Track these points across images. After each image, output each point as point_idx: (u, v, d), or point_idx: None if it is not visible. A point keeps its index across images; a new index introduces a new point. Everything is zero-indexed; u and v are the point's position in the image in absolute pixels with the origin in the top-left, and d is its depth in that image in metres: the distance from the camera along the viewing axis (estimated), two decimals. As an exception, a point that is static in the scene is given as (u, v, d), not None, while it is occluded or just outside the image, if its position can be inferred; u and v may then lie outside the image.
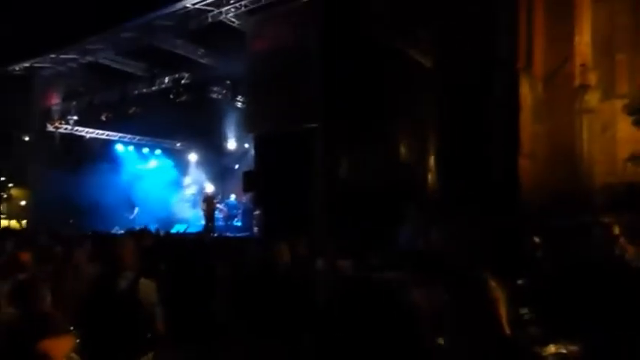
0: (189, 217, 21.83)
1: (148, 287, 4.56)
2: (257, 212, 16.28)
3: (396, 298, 2.17)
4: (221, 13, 15.41)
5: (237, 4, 15.00)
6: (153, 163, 24.66)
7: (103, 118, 20.19)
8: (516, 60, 23.27)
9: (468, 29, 22.45)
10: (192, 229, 18.31)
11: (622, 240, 5.26)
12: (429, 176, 17.40)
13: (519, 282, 6.81)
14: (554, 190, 22.01)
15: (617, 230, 5.10)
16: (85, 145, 22.21)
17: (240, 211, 20.26)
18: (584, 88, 24.32)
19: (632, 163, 24.18)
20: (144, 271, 4.80)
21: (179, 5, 15.29)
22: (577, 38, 24.92)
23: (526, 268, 6.88)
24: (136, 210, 21.98)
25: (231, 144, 22.52)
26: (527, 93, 23.32)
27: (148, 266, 5.29)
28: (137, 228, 14.56)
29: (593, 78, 25.08)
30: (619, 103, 26.04)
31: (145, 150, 24.41)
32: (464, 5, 23.26)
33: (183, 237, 13.93)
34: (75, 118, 20.97)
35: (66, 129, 21.31)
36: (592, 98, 24.54)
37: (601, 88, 25.73)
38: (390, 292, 2.19)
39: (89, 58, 18.79)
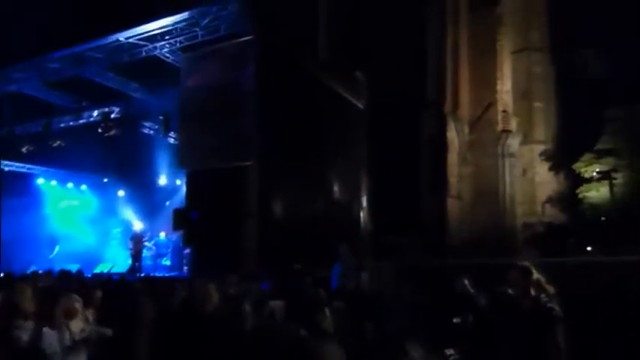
0: (115, 256, 20.91)
1: (51, 338, 4.30)
2: (187, 251, 15.87)
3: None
4: (155, 48, 15.25)
5: (171, 41, 14.91)
6: (77, 199, 23.59)
7: (24, 150, 19.19)
8: (443, 104, 24.48)
9: (400, 73, 23.42)
10: (118, 269, 17.55)
11: (541, 280, 5.48)
12: (362, 215, 17.72)
13: (454, 320, 6.99)
14: (479, 229, 22.92)
15: (534, 273, 5.33)
16: (2, 178, 20.96)
17: (169, 250, 19.61)
18: (506, 133, 25.86)
19: (550, 204, 25.66)
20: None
21: (111, 38, 15.02)
22: (499, 86, 26.62)
23: (459, 308, 7.07)
24: (57, 248, 20.86)
25: (162, 180, 21.95)
26: (453, 136, 24.48)
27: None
28: (57, 268, 13.79)
29: (513, 124, 26.76)
30: (537, 148, 27.81)
31: (70, 185, 23.34)
32: (396, 51, 24.31)
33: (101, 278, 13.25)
34: (-6, 149, 19.83)
35: (-18, 161, 20.08)
36: (513, 143, 26.11)
37: (521, 134, 27.44)
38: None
39: (13, 88, 17.98)
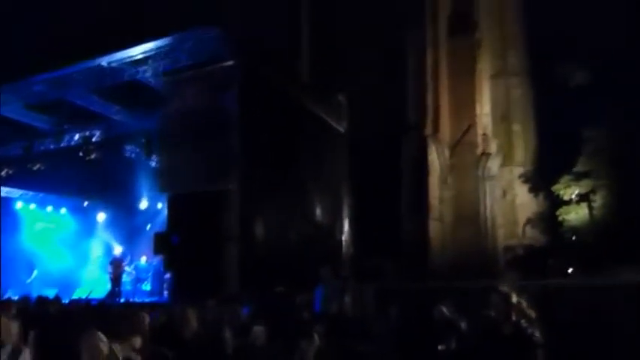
0: (94, 280, 20.58)
1: None
2: (168, 276, 15.71)
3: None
4: (138, 72, 15.29)
5: (154, 65, 14.95)
6: (56, 223, 23.24)
7: (3, 174, 18.93)
8: (424, 127, 24.77)
9: (380, 97, 23.72)
10: (97, 294, 17.27)
11: (522, 305, 5.53)
12: (343, 237, 17.73)
13: (439, 347, 6.99)
14: (461, 251, 23.05)
15: (514, 297, 5.38)
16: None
17: (150, 275, 19.38)
18: (486, 155, 26.20)
19: (530, 226, 25.94)
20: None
21: (94, 63, 15.03)
22: (478, 109, 27.07)
23: (441, 333, 7.09)
24: (35, 273, 20.47)
25: (143, 203, 21.74)
26: (434, 159, 24.73)
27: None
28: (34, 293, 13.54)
29: (493, 146, 27.14)
30: (517, 170, 28.18)
31: (49, 208, 23.01)
32: (376, 74, 24.65)
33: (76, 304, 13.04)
34: (-29, 172, 19.52)
35: (-41, 184, 19.74)
36: (493, 165, 26.44)
37: (501, 156, 27.81)
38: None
39: (-8, 111, 17.81)
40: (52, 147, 18.34)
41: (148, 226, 20.93)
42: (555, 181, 23.34)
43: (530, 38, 31.82)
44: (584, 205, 22.51)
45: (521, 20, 33.37)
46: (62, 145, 18.16)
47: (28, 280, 19.99)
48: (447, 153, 27.16)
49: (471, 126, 27.52)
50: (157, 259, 17.76)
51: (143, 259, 20.12)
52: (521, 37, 32.60)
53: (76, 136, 17.95)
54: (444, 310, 7.34)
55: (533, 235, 26.15)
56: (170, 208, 14.63)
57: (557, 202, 23.44)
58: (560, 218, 23.17)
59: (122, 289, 18.02)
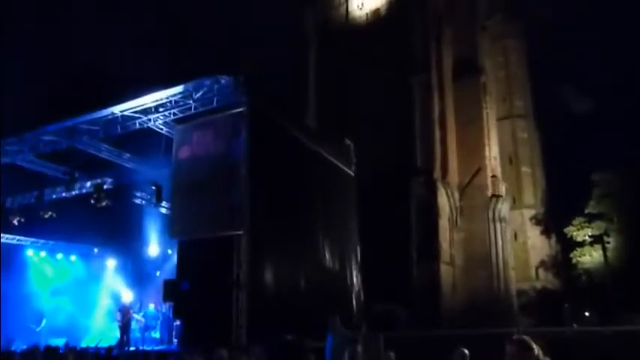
0: (103, 328, 20.35)
1: None
2: (177, 323, 15.50)
3: None
4: (149, 120, 15.49)
5: (165, 113, 15.16)
6: (67, 270, 23.17)
7: (15, 222, 19.02)
8: (432, 170, 24.84)
9: (388, 141, 23.93)
10: (106, 343, 17.03)
11: (538, 354, 5.39)
12: (354, 283, 17.51)
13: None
14: (473, 295, 22.67)
15: (530, 346, 5.25)
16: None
17: (159, 322, 19.13)
18: (496, 198, 26.10)
19: (543, 269, 25.55)
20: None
21: (106, 112, 15.27)
22: (486, 152, 27.16)
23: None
24: (44, 321, 20.28)
25: (153, 250, 21.71)
26: (444, 202, 24.71)
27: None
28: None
29: (502, 189, 27.06)
30: (527, 212, 27.98)
31: (59, 256, 22.98)
32: (384, 118, 24.93)
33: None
34: (-17, 221, 19.64)
35: (-29, 233, 19.84)
36: (503, 207, 26.30)
37: (510, 198, 27.66)
38: None
39: (5, 160, 18.06)
40: (63, 195, 18.45)
41: (158, 273, 20.84)
42: (567, 223, 23.17)
43: (535, 80, 32.27)
44: (597, 247, 22.23)
45: (525, 63, 33.91)
46: (74, 192, 18.27)
47: (38, 329, 19.78)
48: (456, 196, 27.10)
49: (480, 168, 27.59)
50: (167, 306, 17.60)
51: (152, 306, 19.91)
52: (526, 79, 33.05)
53: (88, 184, 18.08)
54: (466, 352, 7.13)
55: (546, 278, 25.76)
56: (180, 254, 14.58)
57: (569, 245, 23.18)
58: (573, 261, 22.85)
59: (131, 336, 17.76)
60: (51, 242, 22.36)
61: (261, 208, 13.01)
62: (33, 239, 21.81)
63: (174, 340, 16.07)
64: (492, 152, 26.95)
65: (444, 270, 22.60)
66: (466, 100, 27.18)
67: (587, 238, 22.77)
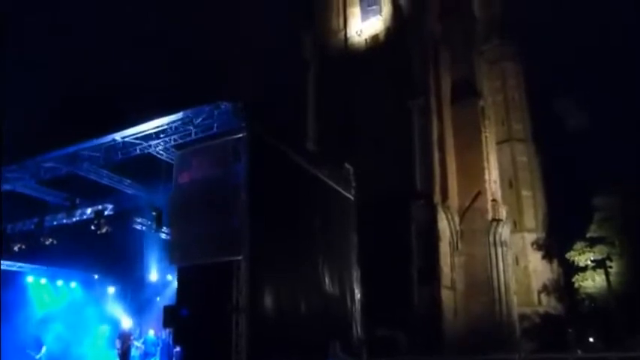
0: (103, 355, 20.18)
1: None
2: (177, 349, 15.38)
3: None
4: (150, 146, 15.61)
5: (166, 139, 15.28)
6: (67, 297, 23.06)
7: (16, 249, 19.02)
8: (433, 194, 24.85)
9: (387, 164, 24.01)
10: (105, 370, 16.90)
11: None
12: (354, 308, 17.39)
13: None
14: (475, 320, 22.45)
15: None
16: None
17: (158, 348, 18.99)
18: (496, 222, 26.05)
19: (545, 294, 25.37)
20: None
21: (107, 138, 15.40)
22: (486, 176, 27.21)
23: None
24: (44, 349, 20.13)
25: (153, 275, 21.64)
26: (445, 226, 24.66)
27: None
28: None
29: (503, 212, 27.03)
30: (528, 236, 27.88)
31: (59, 282, 22.91)
32: (383, 142, 25.07)
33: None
34: (-17, 248, 19.63)
35: (-29, 260, 19.81)
36: (504, 231, 26.23)
37: (510, 222, 27.59)
38: None
39: (6, 187, 18.13)
40: (64, 221, 18.48)
41: (158, 299, 20.74)
42: (568, 248, 23.06)
43: (533, 103, 32.49)
44: (600, 272, 22.08)
45: (522, 86, 34.20)
46: (74, 219, 18.31)
47: (37, 357, 19.62)
48: (456, 219, 27.06)
49: (480, 192, 27.60)
50: (166, 333, 17.49)
51: (152, 333, 19.78)
52: (524, 103, 33.28)
53: (88, 210, 18.13)
54: None
55: (548, 303, 25.55)
56: (180, 280, 14.54)
57: (571, 269, 23.04)
58: (576, 285, 22.69)
59: (130, 364, 17.62)
60: (51, 269, 22.32)
61: (260, 233, 13.02)
62: (33, 266, 21.78)
63: (174, 367, 15.92)
64: (492, 176, 27.01)
65: (445, 294, 22.46)
66: (465, 123, 27.38)
67: (589, 262, 22.65)
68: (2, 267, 20.73)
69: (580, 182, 23.92)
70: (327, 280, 16.26)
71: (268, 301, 13.56)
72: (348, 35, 30.65)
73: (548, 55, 31.02)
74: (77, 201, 18.33)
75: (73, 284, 23.25)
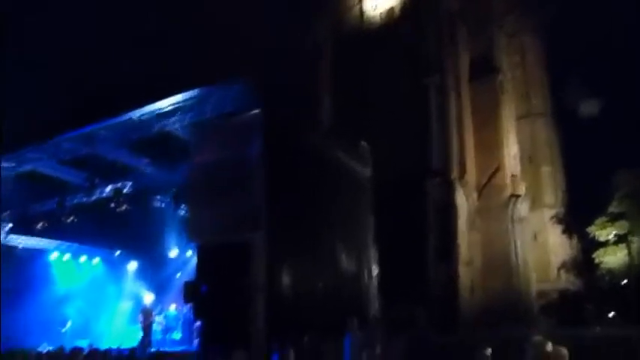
0: (126, 330, 20.69)
1: None
2: (198, 324, 15.66)
3: None
4: (166, 124, 15.70)
5: (182, 117, 15.36)
6: (90, 273, 23.58)
7: (39, 227, 19.44)
8: (450, 170, 24.62)
9: (404, 142, 23.80)
10: (129, 344, 17.29)
11: (560, 354, 5.38)
12: (371, 285, 17.48)
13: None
14: (492, 297, 22.40)
15: (548, 346, 5.26)
16: (17, 254, 21.15)
17: (180, 323, 19.39)
18: (515, 197, 25.75)
19: (565, 270, 25.11)
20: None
21: (125, 117, 15.52)
22: (505, 151, 26.82)
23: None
24: (69, 323, 20.70)
25: (173, 252, 22.00)
26: (462, 202, 24.47)
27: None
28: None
29: (522, 188, 26.69)
30: (547, 212, 27.49)
31: (82, 259, 23.41)
32: (399, 119, 24.82)
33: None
34: (9, 226, 20.10)
35: (-2, 238, 20.32)
36: (522, 207, 25.93)
37: (529, 198, 27.24)
38: None
39: (28, 167, 18.45)
40: (84, 200, 18.78)
41: (178, 275, 21.10)
42: (588, 223, 22.75)
43: (553, 78, 31.86)
44: (622, 247, 21.79)
45: (542, 60, 33.48)
46: (94, 197, 18.58)
47: (63, 330, 20.21)
48: (474, 196, 26.84)
49: (499, 168, 27.30)
50: (187, 308, 17.81)
51: (173, 308, 20.18)
52: (544, 77, 32.63)
53: (108, 189, 18.38)
54: (488, 352, 7.05)
55: (567, 279, 25.34)
56: (199, 257, 14.72)
57: (592, 245, 22.76)
58: (596, 261, 22.44)
59: (152, 338, 18.00)
60: (74, 246, 22.79)
61: (277, 211, 13.07)
62: (57, 243, 22.27)
63: (195, 341, 16.22)
64: (511, 151, 26.63)
65: (462, 272, 22.37)
66: (483, 100, 26.92)
67: (610, 237, 22.32)
68: (27, 245, 21.29)
69: (601, 157, 23.47)
70: (343, 258, 16.33)
71: (285, 278, 13.69)
72: (364, 9, 30.21)
73: (570, 27, 30.22)
74: (96, 180, 18.59)
75: (96, 261, 23.74)
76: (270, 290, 12.80)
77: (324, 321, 12.04)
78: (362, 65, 27.08)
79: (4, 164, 18.39)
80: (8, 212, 20.03)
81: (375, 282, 17.58)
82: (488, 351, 7.04)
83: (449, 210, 23.41)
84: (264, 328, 12.48)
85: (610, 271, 22.14)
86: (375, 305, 16.98)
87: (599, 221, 22.56)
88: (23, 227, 20.30)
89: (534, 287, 23.96)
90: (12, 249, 20.92)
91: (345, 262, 16.36)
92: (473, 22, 28.48)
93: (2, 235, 20.29)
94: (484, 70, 27.45)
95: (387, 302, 17.12)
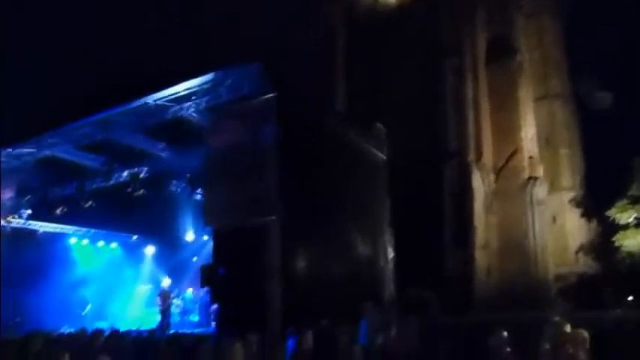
0: (144, 312, 21.02)
1: None
2: (214, 307, 15.82)
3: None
4: (182, 109, 15.74)
5: (197, 101, 15.38)
6: (108, 257, 23.94)
7: (58, 212, 19.70)
8: (466, 153, 24.37)
9: (420, 124, 23.59)
10: (147, 326, 17.55)
11: (578, 337, 5.32)
12: (386, 269, 17.47)
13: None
14: (509, 280, 22.26)
15: (567, 327, 5.19)
16: (37, 239, 21.51)
17: (197, 306, 19.64)
18: (533, 180, 25.44)
19: (583, 253, 24.81)
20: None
21: (140, 102, 15.58)
22: (522, 133, 26.45)
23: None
24: (89, 306, 21.08)
25: (190, 236, 22.20)
26: (479, 185, 24.25)
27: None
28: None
29: (540, 171, 26.33)
30: (566, 195, 27.11)
31: (101, 243, 23.75)
32: (416, 102, 24.58)
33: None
34: (28, 212, 20.41)
35: (18, 223, 20.66)
36: (540, 190, 25.62)
37: (548, 181, 26.87)
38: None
39: (46, 152, 18.66)
40: (102, 185, 18.97)
41: (195, 259, 21.32)
42: (608, 206, 22.42)
43: (572, 60, 31.26)
44: (641, 230, 21.49)
45: (561, 42, 32.84)
46: (111, 182, 18.76)
47: (83, 313, 20.59)
48: (491, 178, 26.58)
49: (516, 150, 26.95)
50: (204, 291, 17.99)
51: (190, 291, 20.43)
52: (563, 59, 32.04)
53: (125, 174, 18.53)
54: (505, 334, 6.99)
55: (586, 263, 25.10)
56: (215, 241, 14.81)
57: (610, 228, 22.47)
58: (616, 244, 22.15)
59: (170, 320, 18.25)
60: (92, 230, 23.11)
61: (292, 194, 13.07)
62: (76, 228, 22.59)
63: (213, 324, 16.41)
64: (529, 133, 26.24)
65: (479, 255, 22.21)
66: (501, 82, 26.48)
67: (631, 220, 22.00)
68: (47, 229, 21.62)
69: (621, 139, 23.05)
70: (358, 242, 16.32)
71: (301, 262, 13.74)
72: (379, -10, 29.78)
73: (589, 7, 29.54)
74: (114, 165, 18.75)
75: (114, 245, 24.08)
76: (285, 274, 12.86)
77: (340, 305, 12.06)
78: (376, 48, 26.76)
79: (22, 150, 18.64)
80: (28, 197, 20.33)
81: (390, 266, 17.57)
82: (504, 333, 6.98)
83: (465, 193, 23.20)
84: (279, 312, 12.57)
85: (630, 255, 21.85)
86: (390, 289, 17.00)
87: (619, 204, 22.22)
88: (43, 212, 20.59)
89: (552, 271, 23.73)
90: (33, 232, 21.31)
91: (361, 246, 16.35)
92: (491, 2, 27.95)
93: (22, 221, 20.64)
94: (502, 51, 26.98)
95: (402, 285, 17.11)
